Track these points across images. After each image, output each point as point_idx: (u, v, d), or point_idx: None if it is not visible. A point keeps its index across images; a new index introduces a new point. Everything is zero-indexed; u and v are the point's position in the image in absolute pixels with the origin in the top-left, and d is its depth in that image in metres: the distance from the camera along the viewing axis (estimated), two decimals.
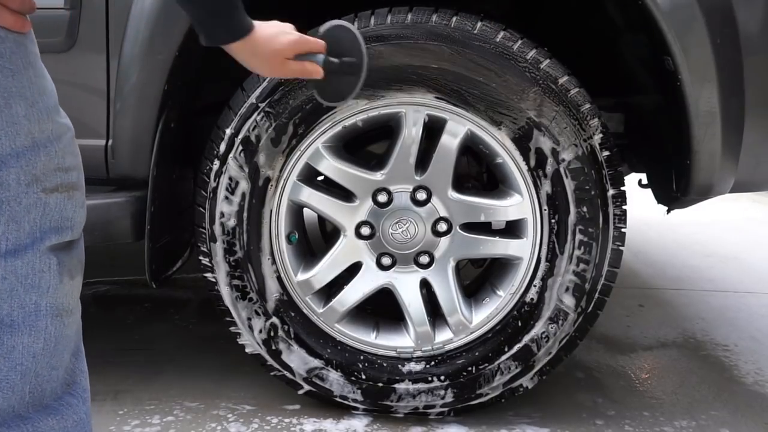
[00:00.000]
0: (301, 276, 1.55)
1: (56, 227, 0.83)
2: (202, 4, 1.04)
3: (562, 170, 1.46)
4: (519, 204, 1.50)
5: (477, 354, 1.56)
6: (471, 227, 1.54)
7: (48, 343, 0.84)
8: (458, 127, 1.47)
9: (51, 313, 0.83)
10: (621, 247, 1.51)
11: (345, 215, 1.53)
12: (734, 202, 4.44)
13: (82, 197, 0.88)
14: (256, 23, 1.11)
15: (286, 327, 1.55)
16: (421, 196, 1.50)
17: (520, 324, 1.54)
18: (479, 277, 1.79)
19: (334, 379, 1.57)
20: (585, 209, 1.48)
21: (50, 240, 0.82)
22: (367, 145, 1.70)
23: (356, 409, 1.61)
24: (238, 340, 1.57)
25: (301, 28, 1.22)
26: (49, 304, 0.83)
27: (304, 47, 1.20)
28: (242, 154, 1.46)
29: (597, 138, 1.45)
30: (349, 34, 1.27)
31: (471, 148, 1.57)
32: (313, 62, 1.22)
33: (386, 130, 1.56)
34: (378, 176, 1.50)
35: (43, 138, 0.80)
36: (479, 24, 1.41)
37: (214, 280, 1.53)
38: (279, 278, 1.54)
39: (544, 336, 1.54)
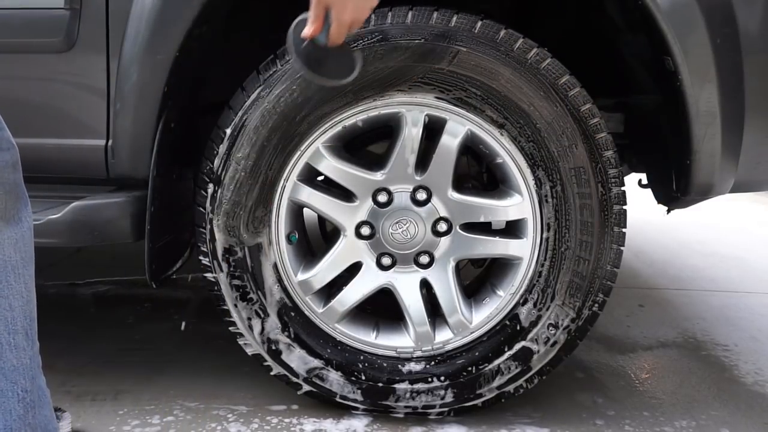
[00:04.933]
0: (302, 276, 1.55)
1: None
2: None
3: (563, 170, 1.46)
4: (519, 204, 1.51)
5: (477, 354, 1.56)
6: (471, 227, 1.54)
7: None
8: (458, 127, 1.47)
9: None
10: (621, 248, 1.51)
11: (345, 215, 1.53)
12: (734, 202, 4.44)
13: None
14: None
15: (286, 328, 1.55)
16: (421, 196, 1.50)
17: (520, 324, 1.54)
18: (479, 277, 1.79)
19: (334, 379, 1.57)
20: (585, 209, 1.48)
21: None
22: (367, 145, 1.70)
23: (356, 409, 1.61)
24: (238, 340, 1.57)
25: None
26: None
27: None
28: None
29: (597, 138, 1.45)
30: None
31: (471, 148, 1.57)
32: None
33: (386, 130, 1.56)
34: (378, 176, 1.50)
35: None
36: (479, 24, 1.41)
37: (214, 280, 1.53)
38: (279, 278, 1.54)
39: (543, 336, 1.54)
